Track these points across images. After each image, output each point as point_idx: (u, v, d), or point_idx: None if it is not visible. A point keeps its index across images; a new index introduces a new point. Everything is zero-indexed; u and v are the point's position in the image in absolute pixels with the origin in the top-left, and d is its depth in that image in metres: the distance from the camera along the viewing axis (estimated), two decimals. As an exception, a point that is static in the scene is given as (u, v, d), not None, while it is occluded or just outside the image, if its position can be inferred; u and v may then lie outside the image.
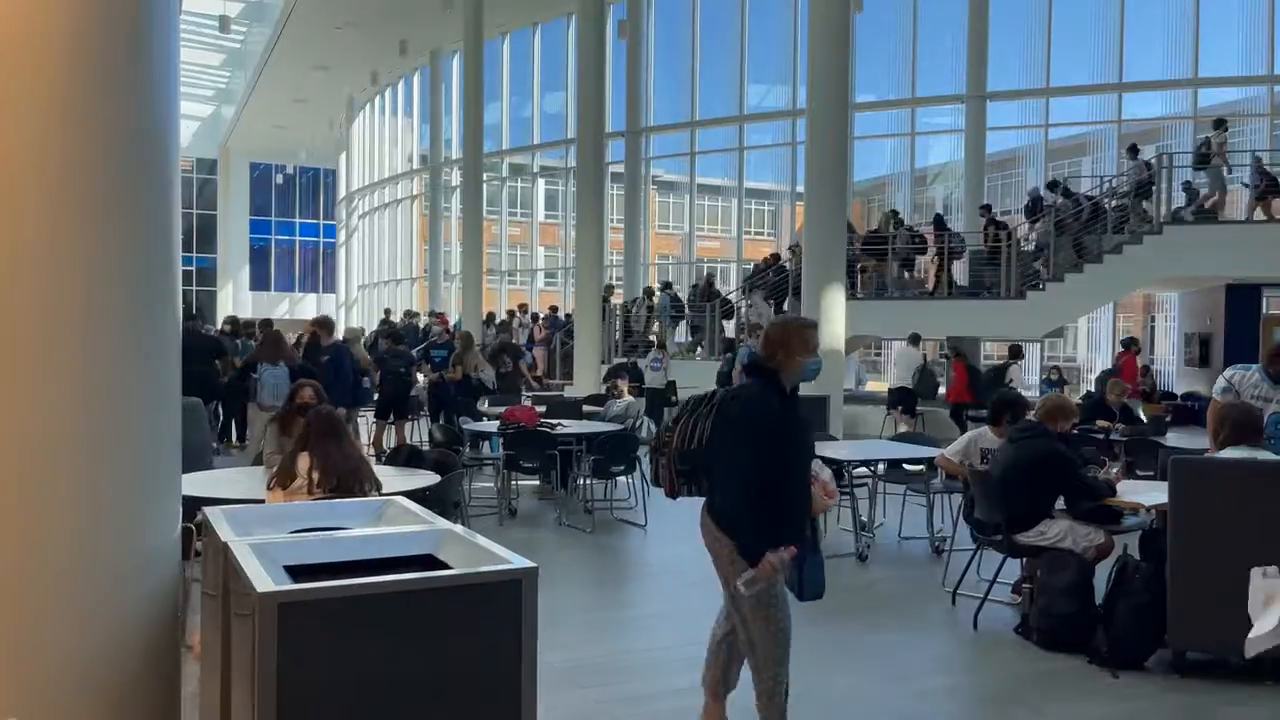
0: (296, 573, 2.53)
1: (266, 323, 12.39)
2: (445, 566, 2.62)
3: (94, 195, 2.33)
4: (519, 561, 2.45)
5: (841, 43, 11.28)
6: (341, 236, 37.60)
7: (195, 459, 7.22)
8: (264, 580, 2.18)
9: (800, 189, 16.33)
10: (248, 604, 2.19)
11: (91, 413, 2.32)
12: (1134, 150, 15.28)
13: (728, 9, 22.34)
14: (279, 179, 42.26)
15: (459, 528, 2.86)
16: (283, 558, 2.59)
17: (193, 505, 3.32)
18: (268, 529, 3.00)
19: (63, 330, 2.30)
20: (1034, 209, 15.78)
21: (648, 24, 23.36)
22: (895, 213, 17.52)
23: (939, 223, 17.06)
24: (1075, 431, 9.11)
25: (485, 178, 23.66)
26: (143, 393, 2.40)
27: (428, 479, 5.72)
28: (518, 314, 21.48)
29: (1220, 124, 14.65)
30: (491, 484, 9.50)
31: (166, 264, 2.48)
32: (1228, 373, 5.90)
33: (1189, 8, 18.14)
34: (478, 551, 2.65)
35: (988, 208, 16.63)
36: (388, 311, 24.05)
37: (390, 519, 3.15)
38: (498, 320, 21.59)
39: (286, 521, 3.11)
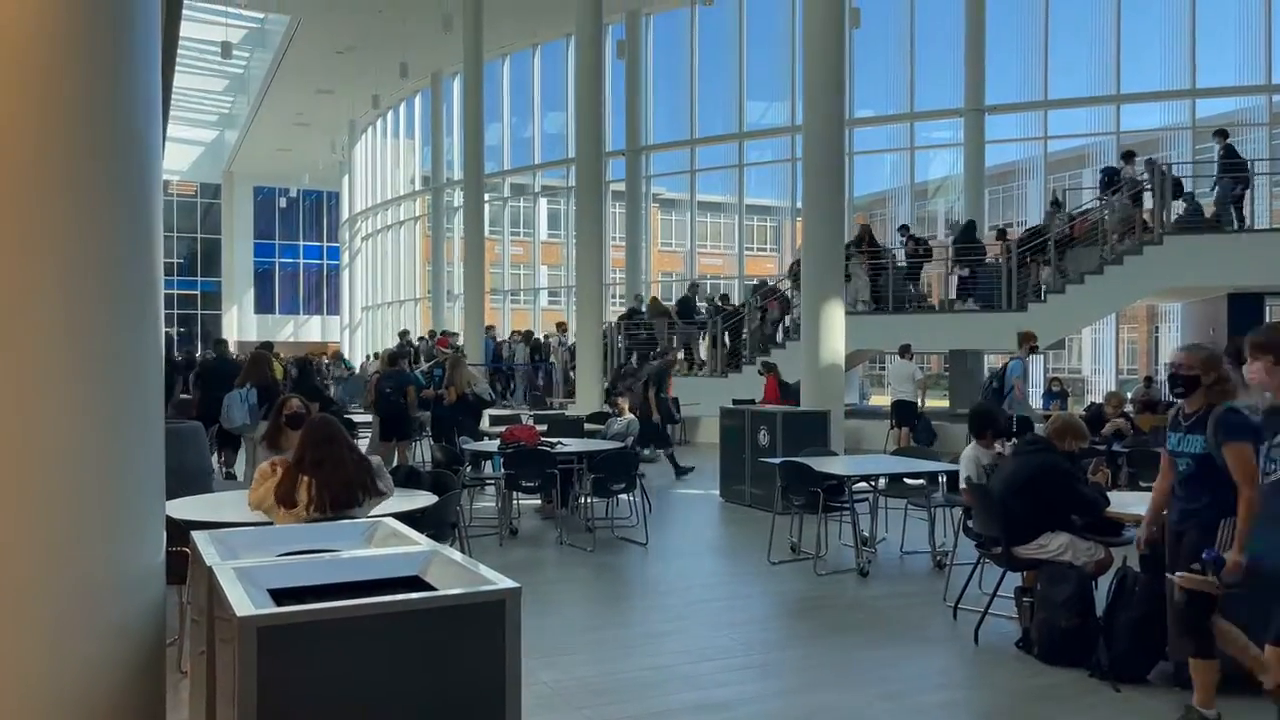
0: (281, 596, 2.52)
1: (266, 345, 12.41)
2: (432, 588, 2.62)
3: (73, 219, 2.33)
4: (503, 582, 2.44)
5: (836, 59, 11.32)
6: (345, 258, 37.76)
7: (196, 482, 7.24)
8: (244, 604, 2.18)
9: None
10: (229, 628, 2.19)
11: (69, 437, 2.32)
12: (1129, 156, 15.12)
13: (726, 27, 22.47)
14: (282, 202, 42.50)
15: (446, 548, 2.85)
16: (267, 581, 2.59)
17: (191, 529, 3.31)
18: (255, 552, 3.00)
19: (40, 354, 2.30)
20: (1110, 183, 15.32)
21: (646, 43, 23.51)
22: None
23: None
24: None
25: (487, 198, 23.76)
26: (121, 416, 2.40)
27: (424, 499, 5.71)
28: (556, 334, 21.39)
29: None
30: (493, 504, 9.48)
31: (147, 287, 2.49)
32: None
33: (1185, 19, 18.21)
34: (464, 572, 2.64)
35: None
36: (405, 332, 24.04)
37: (379, 540, 3.14)
38: (537, 337, 21.51)
39: (275, 544, 3.11)
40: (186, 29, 22.51)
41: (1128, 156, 15.29)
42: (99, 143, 2.36)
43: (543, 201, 27.87)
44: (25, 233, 2.29)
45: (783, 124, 21.87)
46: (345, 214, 37.40)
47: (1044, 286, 15.03)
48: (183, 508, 5.10)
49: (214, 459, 12.05)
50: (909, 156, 21.23)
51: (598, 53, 16.55)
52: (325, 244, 43.45)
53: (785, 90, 21.59)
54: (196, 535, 2.99)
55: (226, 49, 21.48)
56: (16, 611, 2.26)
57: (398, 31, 22.45)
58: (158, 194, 2.53)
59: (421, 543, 2.96)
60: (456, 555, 2.78)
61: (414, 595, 2.39)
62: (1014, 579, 5.74)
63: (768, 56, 22.40)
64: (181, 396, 12.85)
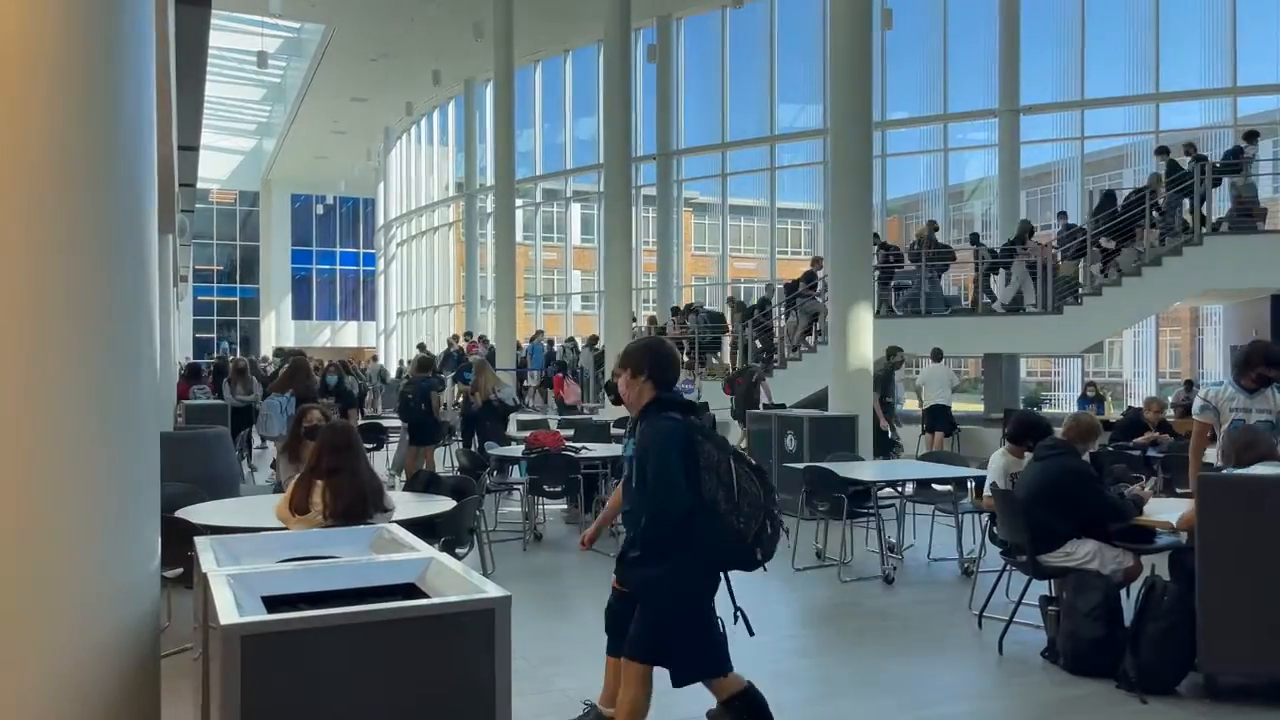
0: (276, 603, 2.51)
1: (295, 353, 12.55)
2: (427, 596, 2.59)
3: (63, 227, 2.33)
4: (493, 591, 2.41)
5: (864, 61, 11.21)
6: (381, 264, 38.12)
7: (223, 487, 7.31)
8: (230, 612, 2.17)
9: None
10: (215, 636, 2.18)
11: (58, 444, 2.31)
12: (1253, 136, 14.40)
13: (757, 29, 22.39)
14: (319, 209, 42.99)
15: (444, 556, 2.83)
16: (263, 588, 2.58)
17: (211, 534, 3.32)
18: (257, 558, 3.00)
19: (28, 360, 2.30)
20: (1236, 154, 14.50)
21: (677, 47, 23.49)
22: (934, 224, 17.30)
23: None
24: (1111, 449, 8.95)
25: (520, 203, 23.85)
26: (112, 423, 2.39)
27: (443, 505, 5.71)
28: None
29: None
30: (519, 508, 9.48)
31: (140, 295, 2.48)
32: (1202, 391, 5.86)
33: (1225, 14, 17.84)
34: (460, 580, 2.61)
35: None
36: (456, 338, 24.10)
37: (380, 547, 3.13)
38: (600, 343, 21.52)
39: (278, 550, 3.10)
40: (225, 39, 22.87)
41: (1250, 137, 14.53)
42: (82, 149, 2.36)
43: (575, 206, 27.94)
44: (8, 245, 2.29)
45: (815, 126, 21.73)
46: (380, 220, 37.76)
47: (1149, 250, 14.17)
48: (200, 513, 5.14)
49: (245, 462, 12.22)
50: (943, 158, 21.00)
51: (625, 58, 16.55)
52: (361, 250, 43.89)
53: (817, 93, 21.45)
54: (198, 541, 3.00)
55: (263, 59, 21.77)
56: (4, 624, 2.25)
57: (430, 39, 22.64)
58: (151, 202, 2.52)
59: (421, 550, 2.94)
60: (453, 563, 2.76)
61: (401, 604, 2.37)
62: (1040, 586, 5.62)
63: (799, 59, 22.29)
64: (213, 400, 13.00)
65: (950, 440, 13.54)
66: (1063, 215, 16.32)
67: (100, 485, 2.35)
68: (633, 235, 17.96)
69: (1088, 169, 20.09)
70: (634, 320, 19.18)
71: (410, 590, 2.67)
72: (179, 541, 3.90)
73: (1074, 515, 5.23)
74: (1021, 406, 16.50)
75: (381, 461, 12.19)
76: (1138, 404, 15.51)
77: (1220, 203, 14.89)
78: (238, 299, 43.09)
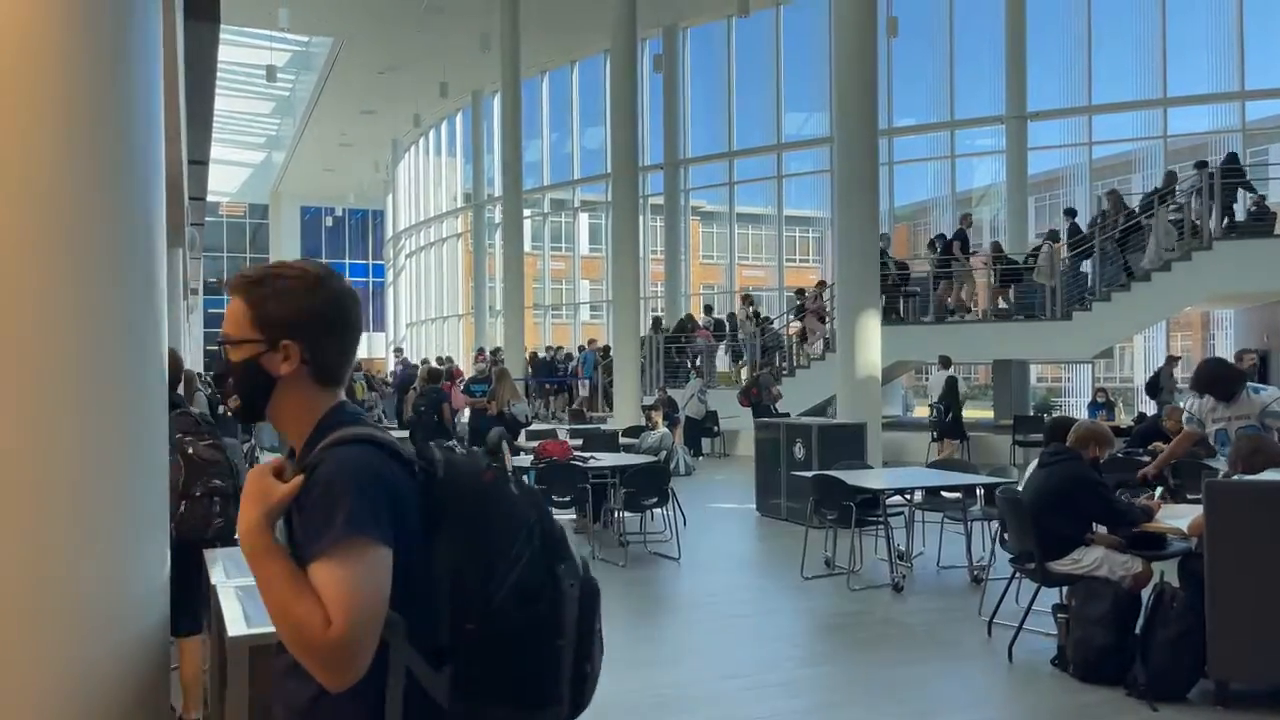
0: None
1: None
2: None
3: (72, 231, 2.35)
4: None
5: (869, 68, 11.24)
6: (390, 276, 38.20)
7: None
8: (238, 623, 2.19)
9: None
10: (225, 647, 2.20)
11: (66, 455, 2.33)
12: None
13: (763, 38, 22.44)
14: (329, 221, 43.14)
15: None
16: (271, 599, 2.59)
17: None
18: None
19: (33, 367, 2.31)
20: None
21: (683, 57, 23.55)
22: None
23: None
24: (1120, 455, 8.91)
25: (528, 213, 23.88)
26: (121, 433, 2.41)
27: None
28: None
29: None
30: (527, 519, 9.48)
31: (149, 306, 2.50)
32: (1185, 403, 5.98)
33: (1232, 20, 17.80)
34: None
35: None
36: (482, 350, 24.01)
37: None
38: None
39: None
40: (234, 54, 23.00)
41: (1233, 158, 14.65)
42: (90, 165, 2.38)
43: (583, 216, 27.99)
44: (17, 260, 2.31)
45: (822, 134, 21.75)
46: (389, 232, 37.86)
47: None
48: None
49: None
50: (950, 165, 20.99)
51: (630, 68, 16.62)
52: (370, 261, 44.02)
53: (824, 101, 21.47)
54: (208, 553, 3.02)
55: (271, 72, 21.90)
56: (15, 633, 2.26)
57: (437, 51, 22.73)
58: (160, 209, 2.55)
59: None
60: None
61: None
62: (1050, 593, 5.61)
63: (805, 67, 22.33)
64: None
65: (960, 447, 13.50)
66: (1070, 213, 16.30)
67: (111, 496, 2.36)
68: (640, 244, 18.01)
69: (1095, 174, 20.05)
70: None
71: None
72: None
73: (1080, 521, 5.22)
74: (1032, 413, 16.47)
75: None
76: (1145, 409, 15.46)
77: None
78: (248, 311, 43.21)
